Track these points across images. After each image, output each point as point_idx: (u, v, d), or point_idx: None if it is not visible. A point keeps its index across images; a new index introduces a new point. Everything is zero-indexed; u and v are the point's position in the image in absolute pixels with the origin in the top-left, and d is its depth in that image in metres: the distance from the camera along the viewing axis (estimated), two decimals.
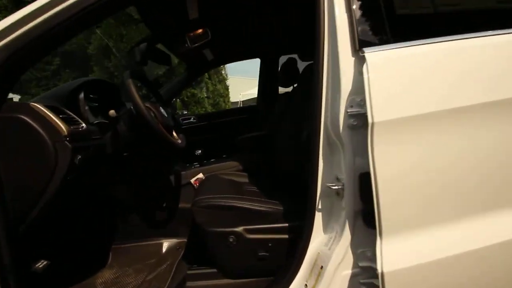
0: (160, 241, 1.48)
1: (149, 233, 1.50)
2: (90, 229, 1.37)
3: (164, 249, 1.46)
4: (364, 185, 0.78)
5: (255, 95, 2.59)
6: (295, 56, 2.11)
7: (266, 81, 2.49)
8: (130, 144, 1.15)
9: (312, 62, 1.50)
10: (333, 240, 0.85)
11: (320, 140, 0.85)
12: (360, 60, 0.79)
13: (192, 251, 1.40)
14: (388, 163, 0.73)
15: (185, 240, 1.48)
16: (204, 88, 9.43)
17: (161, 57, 1.70)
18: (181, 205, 1.59)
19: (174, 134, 1.32)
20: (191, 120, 2.56)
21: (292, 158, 1.25)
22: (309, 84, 1.43)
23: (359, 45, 0.79)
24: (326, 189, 0.87)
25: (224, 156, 1.74)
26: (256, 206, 1.04)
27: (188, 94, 7.99)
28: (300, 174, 1.06)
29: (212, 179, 1.44)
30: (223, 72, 11.54)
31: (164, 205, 1.58)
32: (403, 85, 0.74)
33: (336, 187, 0.82)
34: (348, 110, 0.78)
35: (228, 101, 11.43)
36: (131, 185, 1.40)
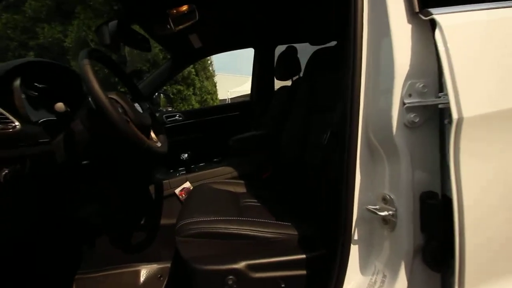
0: (137, 268, 1.19)
1: (124, 259, 1.21)
2: (49, 258, 1.07)
3: (142, 278, 1.18)
4: (428, 209, 0.53)
5: (243, 93, 2.30)
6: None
7: (261, 74, 2.21)
8: (90, 149, 0.85)
9: (321, 47, 1.28)
10: (378, 286, 0.59)
11: (357, 146, 0.60)
12: (422, 27, 0.54)
13: (177, 280, 1.12)
14: (479, 180, 0.48)
15: (168, 265, 1.20)
16: (192, 85, 9.07)
17: (137, 40, 1.40)
18: (163, 221, 1.30)
19: (152, 135, 1.03)
20: (177, 117, 2.26)
21: (304, 165, 1.00)
22: (317, 75, 1.19)
23: (421, 4, 0.54)
24: (365, 213, 0.61)
25: (215, 160, 1.46)
26: (261, 232, 0.78)
27: (174, 90, 7.60)
28: (318, 188, 0.81)
29: (202, 190, 1.16)
30: (210, 68, 11.19)
31: (142, 222, 1.28)
32: (500, 60, 0.49)
33: (384, 213, 0.56)
34: (406, 101, 0.53)
35: (216, 98, 11.10)
36: (97, 201, 1.10)
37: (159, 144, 0.96)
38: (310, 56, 1.22)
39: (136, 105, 0.96)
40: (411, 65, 0.53)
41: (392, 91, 0.54)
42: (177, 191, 1.31)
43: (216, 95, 11.42)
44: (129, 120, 0.82)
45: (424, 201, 0.54)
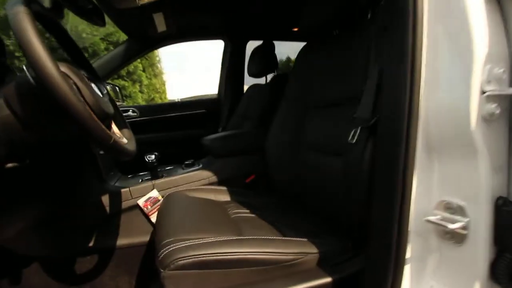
0: None
1: None
2: None
3: None
4: (505, 217, 0.44)
5: (193, 94, 2.08)
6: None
7: (231, 69, 2.03)
8: (18, 145, 0.57)
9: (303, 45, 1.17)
10: None
11: (416, 145, 0.48)
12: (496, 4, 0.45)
13: None
14: None
15: None
16: (138, 81, 8.31)
17: (87, 9, 1.09)
18: (122, 241, 1.02)
19: (115, 128, 0.77)
20: (130, 113, 1.93)
21: (309, 168, 0.86)
22: (314, 67, 1.06)
23: None
24: (420, 225, 0.50)
25: (187, 162, 1.23)
26: (277, 254, 0.60)
27: (119, 85, 6.82)
28: (346, 194, 0.68)
29: (176, 200, 0.93)
30: (159, 65, 10.49)
31: (91, 244, 0.98)
32: None
33: (454, 225, 0.45)
34: (487, 89, 0.43)
35: (165, 97, 10.43)
36: (23, 217, 0.78)
37: (125, 141, 0.71)
38: (303, 48, 1.10)
39: (93, 86, 0.70)
40: (490, 45, 0.44)
41: (469, 78, 0.43)
42: (140, 201, 1.04)
43: (165, 94, 10.74)
44: (84, 103, 0.57)
45: (499, 208, 0.45)
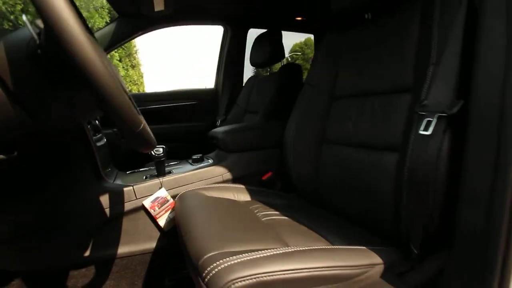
0: None
1: None
2: None
3: None
4: None
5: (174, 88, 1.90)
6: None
7: (231, 58, 1.89)
8: (14, 130, 0.42)
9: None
10: None
11: None
12: None
13: None
14: None
15: None
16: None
17: None
18: (123, 250, 0.87)
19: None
20: None
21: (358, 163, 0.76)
22: (345, 55, 0.97)
23: None
24: None
25: (195, 157, 1.09)
26: (342, 268, 0.50)
27: None
28: (423, 197, 0.59)
29: (195, 201, 0.79)
30: (136, 56, 9.99)
31: (87, 254, 0.82)
32: None
33: None
34: None
35: (143, 90, 9.96)
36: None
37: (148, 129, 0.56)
38: (328, 33, 1.00)
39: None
40: None
41: None
42: (146, 202, 0.89)
43: (143, 86, 10.27)
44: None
45: None
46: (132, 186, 0.90)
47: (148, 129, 0.51)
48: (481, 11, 0.48)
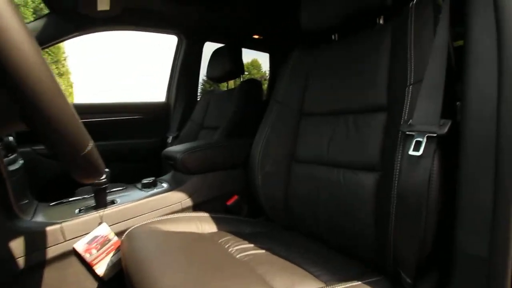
0: None
1: None
2: None
3: None
4: None
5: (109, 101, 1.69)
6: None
7: (185, 70, 1.76)
8: None
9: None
10: None
11: None
12: None
13: None
14: None
15: None
16: None
17: None
18: None
19: None
20: None
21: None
22: (316, 69, 0.94)
23: None
24: None
25: (146, 181, 0.90)
26: None
27: None
28: (414, 218, 0.55)
29: (149, 239, 0.63)
30: (65, 62, 8.91)
31: None
32: None
33: None
34: None
35: (72, 101, 8.80)
36: None
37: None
38: (297, 49, 0.98)
39: None
40: None
41: None
42: (79, 245, 0.68)
43: (72, 98, 9.16)
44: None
45: None
46: (60, 223, 0.68)
47: (97, 151, 0.36)
48: (467, 25, 0.49)
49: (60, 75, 8.49)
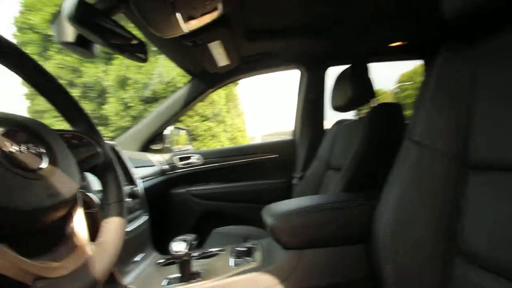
0: None
1: None
2: None
3: None
4: None
5: (272, 132, 1.66)
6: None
7: (309, 103, 1.61)
8: None
9: None
10: None
11: None
12: None
13: None
14: None
15: None
16: (222, 122, 8.90)
17: (129, 45, 0.87)
18: None
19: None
20: (193, 160, 1.69)
21: None
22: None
23: None
24: None
25: (240, 249, 0.79)
26: None
27: (205, 127, 7.45)
28: None
29: None
30: (240, 106, 11.11)
31: None
32: None
33: None
34: None
35: (246, 135, 10.79)
36: None
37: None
38: (439, 56, 0.57)
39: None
40: None
41: None
42: None
43: (245, 132, 11.19)
44: None
45: None
46: None
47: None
48: None
49: (238, 115, 10.72)
